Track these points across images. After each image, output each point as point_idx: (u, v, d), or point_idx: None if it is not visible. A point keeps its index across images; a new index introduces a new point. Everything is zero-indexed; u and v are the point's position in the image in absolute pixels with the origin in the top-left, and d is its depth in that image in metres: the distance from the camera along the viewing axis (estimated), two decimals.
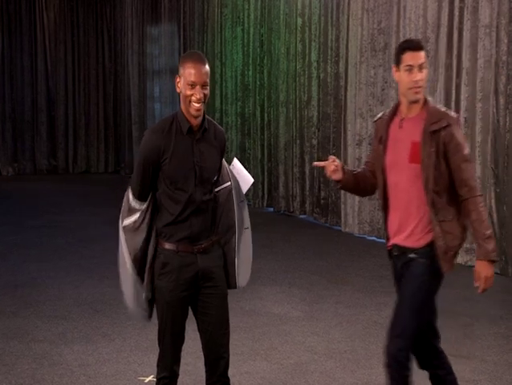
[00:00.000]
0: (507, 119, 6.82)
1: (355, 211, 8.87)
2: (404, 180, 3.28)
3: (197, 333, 3.34)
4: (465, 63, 7.22)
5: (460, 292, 6.38)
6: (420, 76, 3.21)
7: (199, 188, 3.17)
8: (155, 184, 3.20)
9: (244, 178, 3.43)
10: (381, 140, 3.35)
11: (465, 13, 7.20)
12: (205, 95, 3.12)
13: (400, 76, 3.25)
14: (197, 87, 3.08)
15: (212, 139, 3.25)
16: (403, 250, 3.31)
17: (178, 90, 3.16)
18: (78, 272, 7.04)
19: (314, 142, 9.72)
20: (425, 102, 3.29)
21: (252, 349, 4.99)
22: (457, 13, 7.30)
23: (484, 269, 3.22)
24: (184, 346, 3.40)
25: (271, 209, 10.68)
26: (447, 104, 7.43)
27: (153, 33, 14.37)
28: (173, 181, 3.15)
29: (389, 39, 8.24)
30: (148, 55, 14.55)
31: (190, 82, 3.08)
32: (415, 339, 3.29)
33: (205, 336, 3.29)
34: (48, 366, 4.65)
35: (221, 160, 3.34)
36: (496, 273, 6.79)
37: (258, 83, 10.80)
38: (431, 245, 3.25)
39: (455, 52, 7.34)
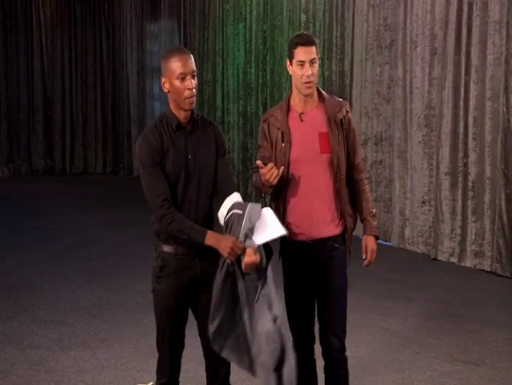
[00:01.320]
0: None
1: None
2: (316, 171, 3.39)
3: (199, 339, 3.27)
4: (474, 61, 7.10)
5: (468, 296, 6.29)
6: (312, 71, 3.32)
7: (193, 183, 3.11)
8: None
9: (274, 226, 3.12)
10: (283, 138, 3.41)
11: (474, 8, 7.08)
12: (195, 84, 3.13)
13: (293, 70, 3.37)
14: (188, 76, 3.07)
15: (202, 129, 3.21)
16: (323, 241, 3.41)
17: (166, 90, 3.13)
18: (75, 275, 6.95)
19: None
20: (320, 94, 3.46)
21: None
22: (465, 8, 7.18)
23: (370, 243, 3.50)
24: (186, 353, 3.33)
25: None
26: (455, 103, 7.31)
27: (153, 30, 14.30)
28: (168, 179, 3.09)
29: (396, 36, 8.10)
30: (148, 53, 14.51)
31: (180, 74, 3.05)
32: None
33: (206, 342, 3.19)
34: (44, 372, 4.58)
35: (220, 149, 3.23)
36: (506, 277, 6.77)
37: (261, 81, 10.69)
38: (344, 231, 3.47)
39: (464, 49, 7.20)
